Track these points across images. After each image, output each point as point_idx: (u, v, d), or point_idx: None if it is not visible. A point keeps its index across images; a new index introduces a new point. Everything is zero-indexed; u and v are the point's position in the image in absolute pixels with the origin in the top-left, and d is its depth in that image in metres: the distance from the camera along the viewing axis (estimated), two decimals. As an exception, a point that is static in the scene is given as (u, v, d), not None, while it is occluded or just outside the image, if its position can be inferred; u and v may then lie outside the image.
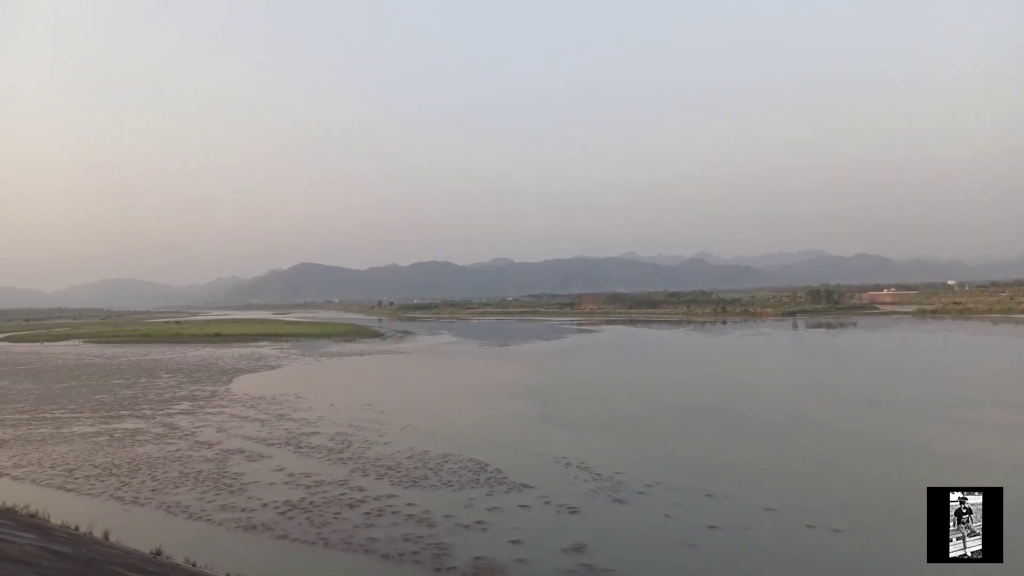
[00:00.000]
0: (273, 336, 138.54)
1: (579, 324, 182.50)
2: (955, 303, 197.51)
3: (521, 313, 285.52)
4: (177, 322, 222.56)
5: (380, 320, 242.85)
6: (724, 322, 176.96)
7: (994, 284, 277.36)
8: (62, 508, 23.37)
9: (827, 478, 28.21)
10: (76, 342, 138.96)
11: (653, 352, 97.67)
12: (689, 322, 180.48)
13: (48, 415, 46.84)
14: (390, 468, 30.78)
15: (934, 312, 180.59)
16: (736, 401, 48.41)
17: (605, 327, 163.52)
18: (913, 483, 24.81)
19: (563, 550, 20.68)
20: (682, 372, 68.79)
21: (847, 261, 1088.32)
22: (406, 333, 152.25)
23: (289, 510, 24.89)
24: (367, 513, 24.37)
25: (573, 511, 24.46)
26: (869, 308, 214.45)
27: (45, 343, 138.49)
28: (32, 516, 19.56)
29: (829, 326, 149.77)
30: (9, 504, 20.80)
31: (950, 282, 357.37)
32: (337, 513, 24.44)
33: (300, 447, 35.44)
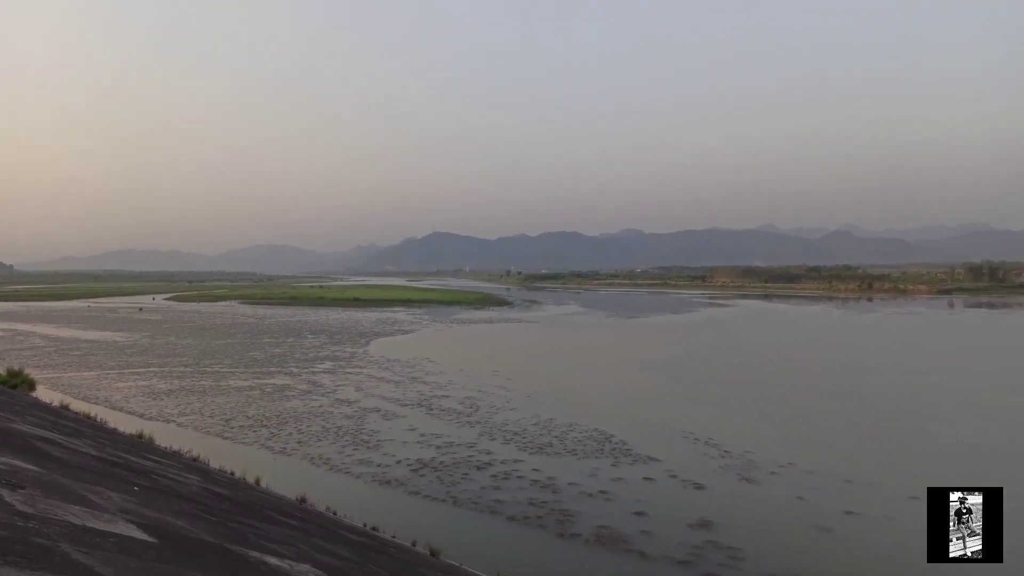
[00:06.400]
0: (407, 302, 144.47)
1: (710, 298, 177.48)
2: None
3: (650, 285, 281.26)
4: (321, 286, 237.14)
5: (508, 289, 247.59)
6: (870, 299, 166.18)
7: None
8: (220, 454, 25.58)
9: (993, 471, 25.93)
10: (232, 303, 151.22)
11: (789, 328, 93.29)
12: (831, 298, 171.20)
13: (208, 369, 51.31)
14: (516, 433, 31.41)
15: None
16: (880, 383, 45.42)
17: (738, 301, 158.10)
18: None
19: (688, 525, 20.35)
20: (820, 350, 65.30)
21: (1017, 236, 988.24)
22: (533, 302, 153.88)
23: (421, 468, 26.06)
24: (494, 476, 25.07)
25: (699, 487, 23.98)
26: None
27: (203, 302, 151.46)
28: (195, 460, 21.57)
29: (991, 306, 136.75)
30: (175, 448, 23.11)
31: None
32: (465, 474, 25.32)
33: (431, 409, 36.89)
